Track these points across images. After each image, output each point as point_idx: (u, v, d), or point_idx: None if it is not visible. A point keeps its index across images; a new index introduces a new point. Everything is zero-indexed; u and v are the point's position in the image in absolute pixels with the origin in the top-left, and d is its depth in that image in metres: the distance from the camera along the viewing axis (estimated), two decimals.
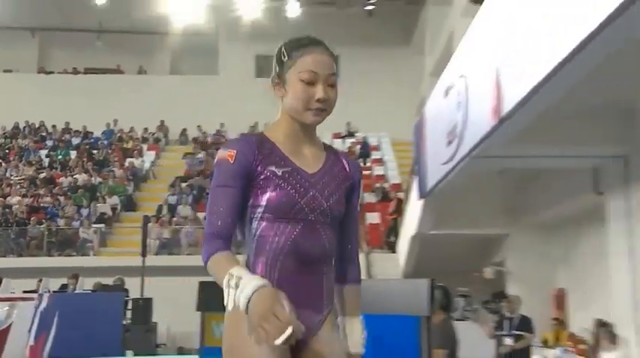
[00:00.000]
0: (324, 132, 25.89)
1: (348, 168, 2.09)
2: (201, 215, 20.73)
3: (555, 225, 13.83)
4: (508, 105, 6.74)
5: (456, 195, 12.13)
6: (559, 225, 13.59)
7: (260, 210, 1.86)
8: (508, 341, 9.45)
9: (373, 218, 20.57)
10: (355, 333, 2.08)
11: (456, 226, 14.05)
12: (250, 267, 1.85)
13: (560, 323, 13.24)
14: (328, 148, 2.12)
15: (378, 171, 24.26)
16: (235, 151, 1.83)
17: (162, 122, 27.90)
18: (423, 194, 12.66)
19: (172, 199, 22.10)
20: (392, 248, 18.61)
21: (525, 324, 9.52)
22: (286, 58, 1.88)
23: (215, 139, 27.04)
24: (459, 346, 6.22)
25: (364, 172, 23.48)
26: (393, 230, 19.02)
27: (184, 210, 21.31)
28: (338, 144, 25.57)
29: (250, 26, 27.66)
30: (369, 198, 21.65)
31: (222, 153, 1.87)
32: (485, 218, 14.06)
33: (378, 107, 25.39)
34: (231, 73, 29.05)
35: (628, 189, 9.30)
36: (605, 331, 9.48)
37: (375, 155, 25.36)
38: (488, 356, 13.76)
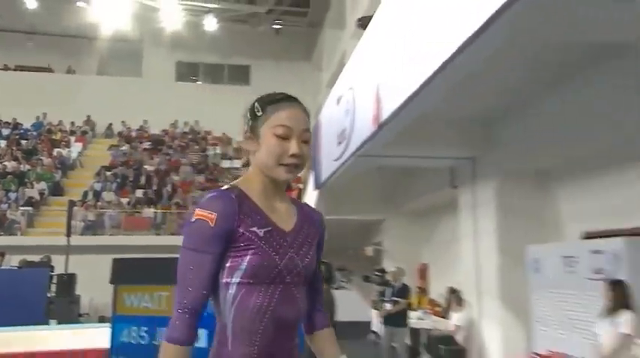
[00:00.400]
0: (236, 129, 25.87)
1: (316, 223, 1.85)
2: (124, 200, 20.37)
3: (421, 213, 14.49)
4: (385, 114, 7.08)
5: (344, 186, 12.51)
6: (424, 212, 14.25)
7: (239, 273, 1.57)
8: (388, 306, 9.65)
9: None
10: None
11: (344, 212, 14.41)
12: (228, 335, 1.61)
13: (423, 290, 13.80)
14: (295, 202, 1.86)
15: None
16: (216, 214, 1.54)
17: (88, 117, 26.76)
18: (318, 185, 12.98)
19: (97, 186, 21.32)
20: None
21: (403, 292, 9.72)
22: (260, 112, 1.65)
23: (139, 134, 26.39)
24: (337, 311, 6.34)
25: None
26: None
27: (108, 195, 20.68)
28: None
29: (172, 36, 27.16)
30: None
31: (201, 213, 1.55)
32: (367, 206, 14.49)
33: None
34: (154, 76, 28.31)
35: (475, 184, 9.85)
36: (454, 296, 10.06)
37: None
38: (361, 317, 14.43)
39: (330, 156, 10.76)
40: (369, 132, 7.91)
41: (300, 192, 18.66)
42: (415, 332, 10.77)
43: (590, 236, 7.80)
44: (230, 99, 26.86)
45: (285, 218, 1.71)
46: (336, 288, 11.44)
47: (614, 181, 7.60)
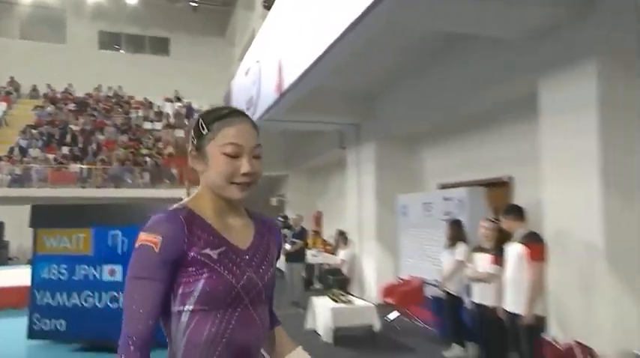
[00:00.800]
0: (157, 96, 24.95)
1: (274, 232, 1.53)
2: (50, 156, 19.17)
3: (317, 169, 14.92)
4: (286, 84, 7.25)
5: None
6: (319, 169, 14.68)
7: (192, 300, 1.25)
8: (288, 247, 9.74)
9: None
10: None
11: None
12: None
13: (317, 233, 14.31)
14: (251, 214, 1.49)
15: None
16: (161, 238, 1.22)
17: (12, 78, 24.40)
18: None
19: (23, 143, 19.80)
20: None
21: (301, 234, 9.88)
22: (205, 130, 1.31)
23: (64, 96, 24.57)
24: None
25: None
26: None
27: (34, 152, 19.33)
28: (168, 107, 24.84)
29: (94, 6, 25.59)
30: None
31: (144, 237, 1.23)
32: (272, 163, 14.64)
33: (200, 81, 24.92)
34: (77, 43, 26.17)
35: (359, 146, 10.27)
36: (342, 237, 10.52)
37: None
38: None
39: None
40: (273, 100, 8.04)
41: None
42: (310, 267, 11.14)
43: (443, 186, 8.47)
44: (151, 68, 25.82)
45: (240, 235, 1.38)
46: None
47: (462, 144, 8.28)
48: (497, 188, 7.16)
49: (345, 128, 10.55)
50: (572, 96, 5.15)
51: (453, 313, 6.04)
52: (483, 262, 5.28)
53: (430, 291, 7.13)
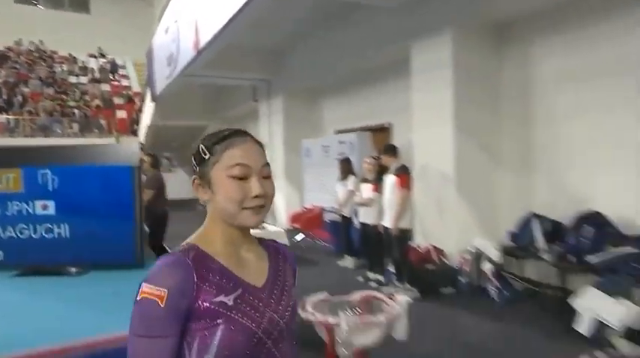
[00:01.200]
0: (80, 52, 22.76)
1: (288, 259, 1.17)
2: None
3: (234, 119, 14.58)
4: (203, 42, 6.99)
5: (175, 99, 12.10)
6: (236, 119, 14.36)
7: (210, 355, 0.93)
8: None
9: (122, 114, 19.05)
10: None
11: (176, 119, 14.08)
12: None
13: None
14: (263, 243, 1.14)
15: (124, 82, 22.17)
16: (166, 291, 0.90)
17: None
18: (154, 98, 12.36)
19: None
20: (135, 133, 17.74)
21: None
22: (207, 154, 1.01)
23: None
24: (165, 188, 6.02)
25: (114, 83, 21.52)
26: (136, 121, 18.07)
27: None
28: (93, 63, 22.77)
29: None
30: (117, 100, 19.86)
31: (147, 290, 0.91)
32: (194, 114, 14.28)
33: (122, 39, 22.99)
34: None
35: (270, 99, 10.25)
36: None
37: (121, 71, 23.06)
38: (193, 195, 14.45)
39: (162, 75, 10.26)
40: (191, 57, 7.74)
41: (141, 107, 17.54)
42: None
43: (339, 132, 8.78)
44: (72, 25, 23.31)
45: (255, 269, 1.06)
46: (165, 172, 11.32)
47: (354, 97, 8.57)
48: (380, 132, 7.55)
49: (257, 83, 10.41)
50: (435, 59, 5.53)
51: (345, 232, 6.52)
52: (367, 190, 5.71)
53: (328, 216, 7.58)
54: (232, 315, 0.93)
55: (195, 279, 0.93)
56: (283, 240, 7.05)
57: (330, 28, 7.63)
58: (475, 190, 5.47)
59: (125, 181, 3.53)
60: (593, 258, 4.31)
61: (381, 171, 5.46)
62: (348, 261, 6.38)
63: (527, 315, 4.38)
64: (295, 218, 8.61)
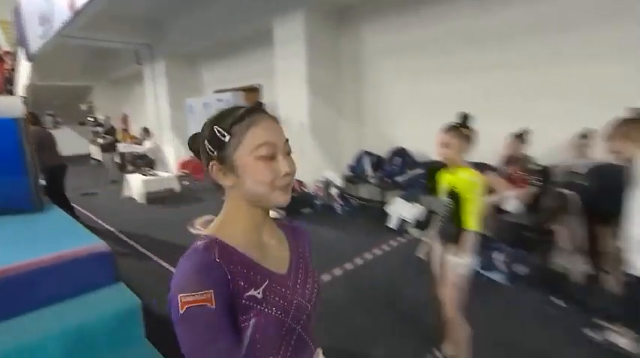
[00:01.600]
0: None
1: (304, 239, 0.98)
2: None
3: (120, 80, 13.38)
4: (79, 5, 6.29)
5: (56, 59, 10.65)
6: (123, 80, 13.19)
7: (241, 350, 0.77)
8: (101, 141, 9.22)
9: None
10: None
11: (58, 79, 12.33)
12: None
13: (126, 130, 13.18)
14: (280, 224, 0.96)
15: None
16: (212, 291, 0.72)
17: None
18: (29, 58, 10.57)
19: None
20: (10, 93, 14.92)
21: (112, 131, 9.33)
22: (227, 136, 0.80)
23: None
24: (54, 144, 5.12)
25: None
26: (9, 81, 15.19)
27: None
28: None
29: None
30: None
31: (190, 298, 0.71)
32: (78, 75, 12.66)
33: None
34: None
35: (153, 63, 9.55)
36: (145, 131, 9.78)
37: None
38: (83, 151, 13.16)
39: (35, 34, 8.70)
40: (67, 17, 6.80)
41: (13, 66, 14.75)
42: (122, 155, 10.50)
43: (217, 91, 8.69)
44: None
45: (278, 256, 0.89)
46: (50, 128, 10.11)
47: (229, 62, 8.48)
48: (252, 92, 7.68)
49: (139, 47, 9.54)
50: (292, 34, 5.79)
51: None
52: None
53: None
54: (262, 308, 0.78)
55: (229, 277, 0.75)
56: (174, 183, 7.09)
57: (205, 1, 7.38)
58: (324, 136, 6.08)
59: (11, 133, 3.20)
60: (399, 179, 5.31)
61: None
62: None
63: (361, 222, 5.18)
64: (184, 165, 8.58)
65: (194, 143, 0.89)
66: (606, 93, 3.58)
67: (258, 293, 0.78)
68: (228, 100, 7.27)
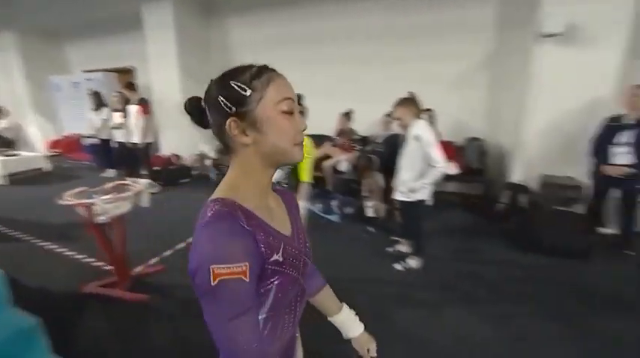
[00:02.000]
0: None
1: (292, 200, 0.86)
2: None
3: None
4: None
5: None
6: None
7: (265, 308, 0.70)
8: None
9: None
10: (352, 317, 0.99)
11: None
12: None
13: None
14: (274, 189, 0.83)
15: None
16: (247, 265, 0.63)
17: None
18: None
19: None
20: None
21: None
22: (249, 90, 0.67)
23: None
24: None
25: None
26: None
27: None
28: None
29: None
30: None
31: (226, 270, 0.60)
32: None
33: None
34: None
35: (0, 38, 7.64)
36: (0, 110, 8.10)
37: None
38: None
39: None
40: None
41: None
42: None
43: (86, 71, 7.45)
44: None
45: (282, 218, 0.78)
46: None
47: (98, 42, 7.32)
48: (125, 73, 6.85)
49: None
50: (161, 21, 5.35)
51: (104, 151, 5.99)
52: (117, 117, 5.36)
53: (87, 141, 6.68)
54: (283, 270, 0.70)
55: (261, 246, 0.66)
56: (42, 162, 5.98)
57: None
58: None
59: None
60: None
61: (126, 102, 5.20)
62: (109, 172, 6.00)
63: None
64: (54, 144, 7.26)
65: (192, 105, 0.71)
66: (405, 87, 4.38)
67: (279, 256, 0.68)
68: (100, 80, 6.36)
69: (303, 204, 2.36)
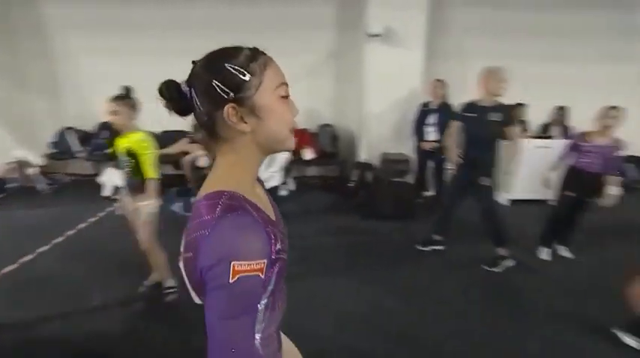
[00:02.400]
0: None
1: (261, 182, 0.76)
2: None
3: None
4: None
5: None
6: None
7: (266, 295, 0.60)
8: None
9: None
10: None
11: None
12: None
13: None
14: None
15: None
16: (265, 262, 0.51)
17: None
18: None
19: None
20: None
21: None
22: (248, 75, 0.54)
23: None
24: None
25: None
26: None
27: None
28: None
29: None
30: None
31: (246, 267, 0.47)
32: None
33: None
34: None
35: None
36: None
37: None
38: None
39: None
40: None
41: None
42: None
43: None
44: None
45: (268, 205, 0.71)
46: None
47: None
48: None
49: None
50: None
51: None
52: None
53: None
54: (282, 256, 0.67)
55: (270, 236, 0.62)
56: None
57: None
58: (8, 115, 4.71)
59: None
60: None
61: None
62: None
63: (73, 197, 4.46)
64: None
65: (171, 89, 0.63)
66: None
67: (282, 245, 0.66)
68: None
69: (151, 203, 2.22)
